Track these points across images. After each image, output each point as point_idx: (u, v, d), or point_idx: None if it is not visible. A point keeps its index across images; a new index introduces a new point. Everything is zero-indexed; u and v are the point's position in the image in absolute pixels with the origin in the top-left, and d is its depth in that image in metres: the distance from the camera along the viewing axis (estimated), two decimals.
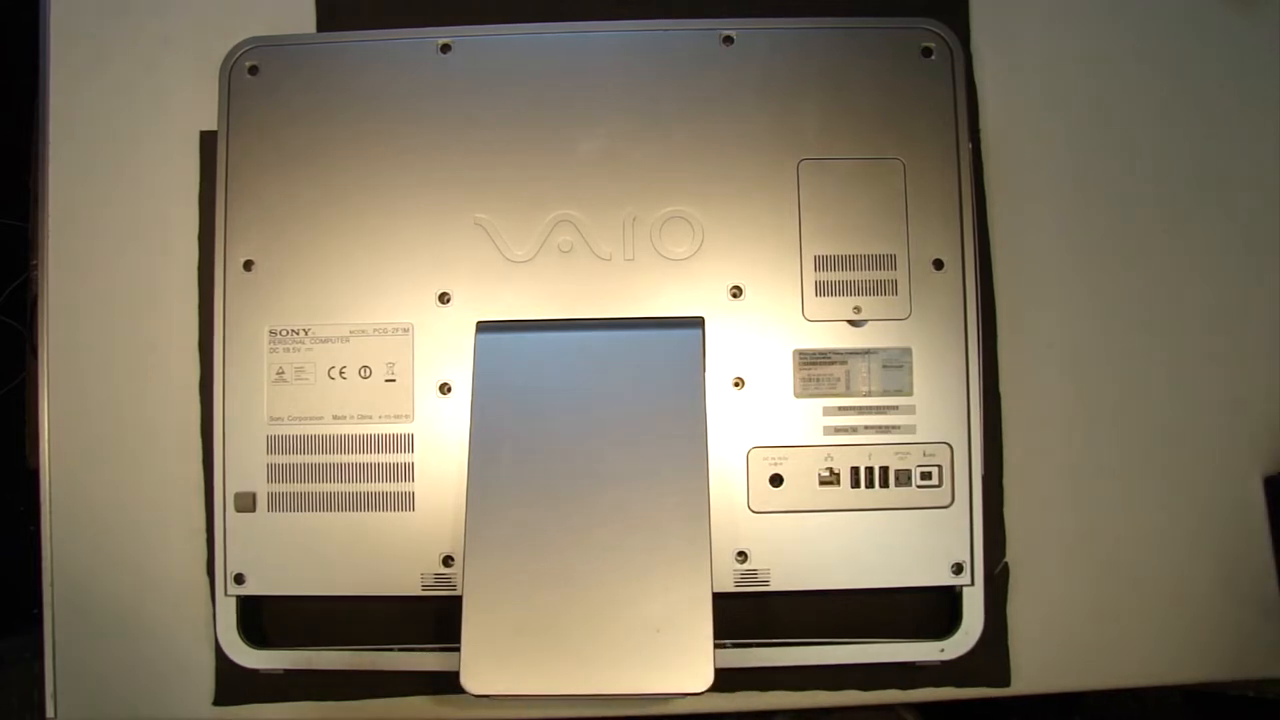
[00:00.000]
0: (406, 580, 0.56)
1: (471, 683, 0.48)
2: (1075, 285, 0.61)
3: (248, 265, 0.57)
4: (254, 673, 0.57)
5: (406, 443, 0.56)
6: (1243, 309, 0.61)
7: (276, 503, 0.56)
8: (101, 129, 0.62)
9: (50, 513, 0.59)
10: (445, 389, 0.57)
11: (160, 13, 0.64)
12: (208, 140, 0.61)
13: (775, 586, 0.55)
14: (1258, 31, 0.63)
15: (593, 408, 0.53)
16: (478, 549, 0.51)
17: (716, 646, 0.56)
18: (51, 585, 0.59)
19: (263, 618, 0.59)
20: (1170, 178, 0.62)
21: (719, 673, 0.57)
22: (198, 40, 0.62)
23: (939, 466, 0.56)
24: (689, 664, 0.48)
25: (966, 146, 0.58)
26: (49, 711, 0.58)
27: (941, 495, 0.56)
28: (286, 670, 0.57)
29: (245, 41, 0.59)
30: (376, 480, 0.56)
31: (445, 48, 0.59)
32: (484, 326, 0.56)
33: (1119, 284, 0.58)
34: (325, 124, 0.58)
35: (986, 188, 0.61)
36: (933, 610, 0.58)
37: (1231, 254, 0.61)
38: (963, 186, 0.57)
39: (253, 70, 0.59)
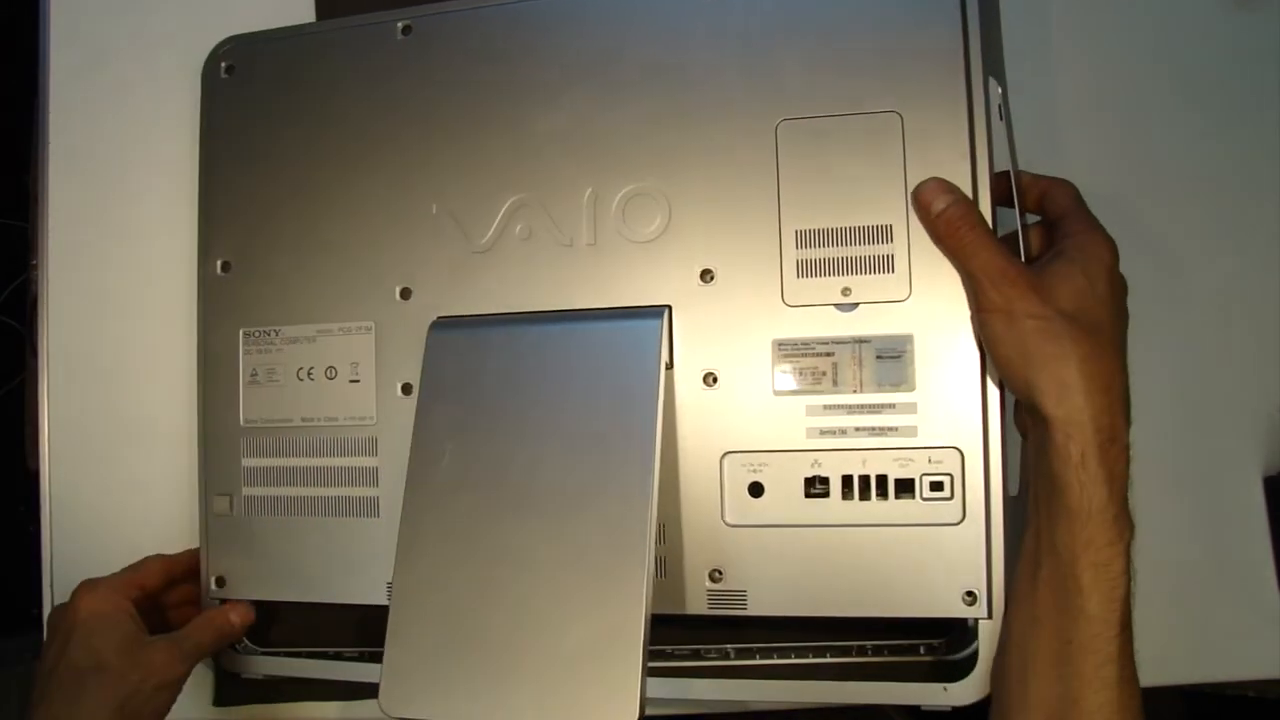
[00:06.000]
0: (374, 589, 0.53)
1: (389, 703, 0.45)
2: None
3: (225, 267, 0.57)
4: None
5: (370, 446, 0.54)
6: (1243, 309, 0.57)
7: (252, 506, 0.56)
8: (101, 129, 0.64)
9: (50, 513, 0.61)
10: (408, 389, 0.54)
11: (160, 12, 0.65)
12: None
13: (754, 610, 0.49)
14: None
15: (540, 410, 0.48)
16: (406, 565, 0.47)
17: (693, 675, 0.51)
18: (51, 585, 0.61)
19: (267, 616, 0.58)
20: (1171, 175, 0.58)
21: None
22: (198, 40, 0.61)
23: (949, 476, 0.47)
24: (612, 699, 0.42)
25: (996, 90, 0.48)
26: None
27: (951, 510, 0.47)
28: None
29: (224, 41, 0.58)
30: (343, 484, 0.54)
31: (406, 29, 0.55)
32: (438, 324, 0.53)
33: None
34: (291, 119, 0.56)
35: None
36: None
37: (1232, 253, 0.58)
38: (975, 134, 0.47)
39: (229, 70, 0.58)
